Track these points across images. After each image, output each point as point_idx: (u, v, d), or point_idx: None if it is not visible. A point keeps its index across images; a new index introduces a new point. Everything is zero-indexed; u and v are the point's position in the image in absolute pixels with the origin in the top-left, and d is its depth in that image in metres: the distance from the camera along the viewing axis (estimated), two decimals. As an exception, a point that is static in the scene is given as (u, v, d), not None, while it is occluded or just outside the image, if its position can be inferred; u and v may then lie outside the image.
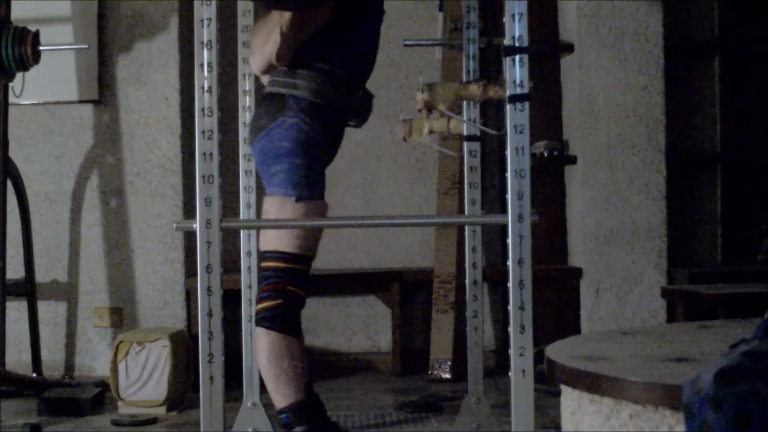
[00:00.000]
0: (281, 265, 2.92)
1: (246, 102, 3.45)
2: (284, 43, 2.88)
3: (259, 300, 2.94)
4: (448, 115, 2.78)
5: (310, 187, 2.95)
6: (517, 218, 2.27)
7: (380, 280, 4.80)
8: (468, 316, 3.35)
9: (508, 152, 2.29)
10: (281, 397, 2.92)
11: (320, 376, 4.30)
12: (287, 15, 2.85)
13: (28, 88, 4.19)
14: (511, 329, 2.26)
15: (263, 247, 2.99)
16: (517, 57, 2.28)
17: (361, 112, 3.14)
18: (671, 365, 1.97)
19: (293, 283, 2.92)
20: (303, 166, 2.94)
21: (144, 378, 3.98)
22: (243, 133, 3.44)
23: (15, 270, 4.39)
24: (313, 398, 2.98)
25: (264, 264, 2.97)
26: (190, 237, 4.50)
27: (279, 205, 2.93)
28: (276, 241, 2.93)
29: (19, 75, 4.13)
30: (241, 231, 3.42)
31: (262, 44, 2.94)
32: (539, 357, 2.26)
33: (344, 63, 3.00)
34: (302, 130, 2.94)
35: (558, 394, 2.18)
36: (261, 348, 2.93)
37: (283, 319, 2.90)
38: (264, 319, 2.90)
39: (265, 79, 3.09)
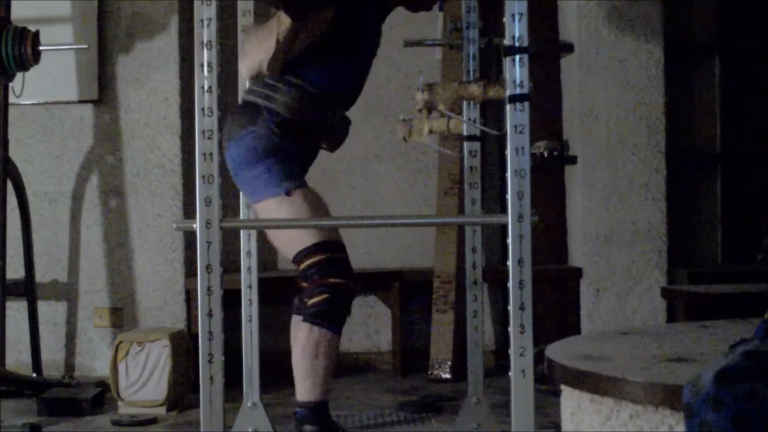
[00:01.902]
0: (313, 259, 2.89)
1: (246, 102, 3.45)
2: (278, 51, 2.86)
3: (306, 297, 2.92)
4: (448, 115, 2.78)
5: (293, 177, 2.95)
6: (517, 218, 2.27)
7: (380, 280, 4.80)
8: (468, 316, 3.35)
9: (508, 152, 2.29)
10: (304, 391, 2.95)
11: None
12: (285, 23, 2.84)
13: (28, 88, 4.20)
14: (511, 329, 2.26)
15: (291, 255, 2.96)
16: (517, 57, 2.28)
17: (336, 136, 3.14)
18: (671, 365, 1.97)
19: (334, 274, 2.90)
20: (278, 163, 2.94)
21: (144, 378, 3.97)
22: (243, 133, 3.44)
23: (15, 270, 4.39)
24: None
25: (300, 267, 2.93)
26: (190, 237, 4.50)
27: (275, 207, 2.93)
28: (296, 241, 2.91)
29: (19, 75, 4.14)
30: (241, 231, 3.42)
31: (255, 49, 2.92)
32: (539, 357, 2.26)
33: (325, 84, 3.00)
34: (272, 140, 2.95)
35: (558, 394, 2.18)
36: (298, 339, 2.93)
37: (328, 314, 2.89)
38: (310, 315, 2.89)
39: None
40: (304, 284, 2.94)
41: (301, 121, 2.98)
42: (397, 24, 4.79)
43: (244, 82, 3.44)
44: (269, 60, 2.87)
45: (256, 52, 2.90)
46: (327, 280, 2.88)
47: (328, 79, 3.01)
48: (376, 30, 3.18)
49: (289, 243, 2.95)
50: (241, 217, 3.42)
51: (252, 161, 2.94)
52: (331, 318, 2.89)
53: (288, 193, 2.92)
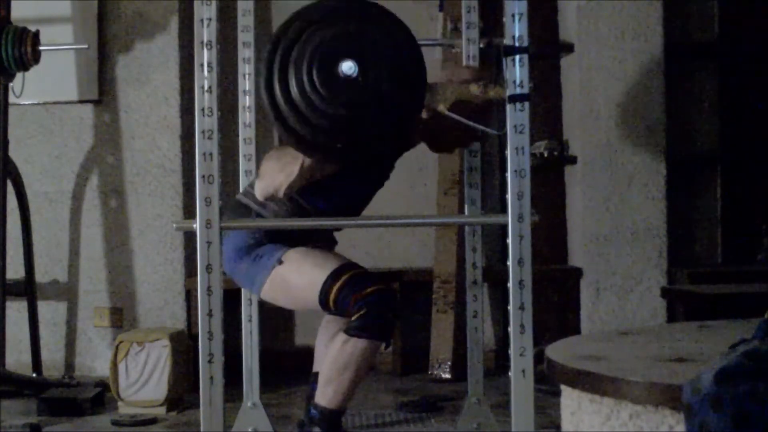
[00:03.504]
0: (339, 284, 2.85)
1: (246, 102, 3.45)
2: (300, 177, 2.78)
3: (351, 316, 2.87)
4: (448, 115, 2.78)
5: (281, 247, 2.93)
6: (517, 218, 2.28)
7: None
8: (468, 316, 3.35)
9: (508, 152, 2.29)
10: (324, 397, 2.93)
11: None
12: None
13: (28, 88, 4.20)
14: (511, 329, 2.27)
15: (315, 301, 2.91)
16: (517, 57, 2.29)
17: (323, 242, 3.13)
18: (671, 365, 1.97)
19: (366, 285, 2.85)
20: (266, 248, 2.94)
21: (144, 378, 3.97)
22: (243, 133, 3.44)
23: (15, 270, 4.39)
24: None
25: (332, 303, 2.88)
26: (190, 237, 4.50)
27: (276, 279, 2.91)
28: (312, 283, 2.88)
29: (19, 75, 4.14)
30: (241, 231, 3.42)
31: (275, 172, 2.82)
32: (539, 357, 2.26)
33: (324, 207, 2.97)
34: (259, 241, 2.94)
35: (558, 394, 2.18)
36: (333, 347, 2.89)
37: (370, 327, 2.83)
38: (351, 328, 2.84)
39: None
40: (347, 313, 2.88)
41: (288, 233, 2.97)
42: (397, 24, 4.78)
43: (244, 82, 3.45)
44: (289, 185, 2.80)
45: (276, 176, 2.81)
46: (361, 294, 2.83)
47: (328, 204, 2.98)
48: (392, 163, 3.16)
49: (309, 289, 2.90)
50: (241, 217, 3.42)
51: (241, 256, 2.94)
52: (370, 328, 2.83)
53: (280, 261, 2.92)
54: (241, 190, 3.41)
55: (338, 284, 2.86)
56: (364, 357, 2.86)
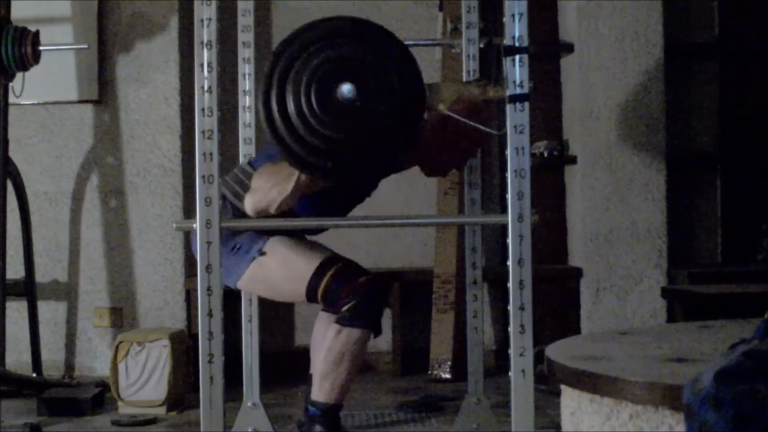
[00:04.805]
0: (328, 276, 2.89)
1: (246, 102, 3.45)
2: (294, 193, 2.80)
3: (341, 307, 2.90)
4: (448, 116, 2.78)
5: (261, 238, 2.95)
6: (517, 218, 2.28)
7: (380, 280, 4.79)
8: (468, 316, 3.35)
9: (508, 152, 2.29)
10: (322, 393, 2.95)
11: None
12: None
13: (28, 88, 4.20)
14: (511, 329, 2.27)
15: (303, 294, 2.94)
16: (517, 57, 2.28)
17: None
18: (671, 365, 1.97)
19: (356, 276, 2.90)
20: (242, 238, 2.97)
21: (144, 378, 3.98)
22: (243, 133, 3.44)
23: (15, 270, 4.39)
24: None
25: (320, 296, 2.91)
26: (190, 237, 4.50)
27: (256, 271, 2.93)
28: (299, 274, 2.91)
29: (19, 75, 4.14)
30: (241, 231, 3.42)
31: (267, 188, 2.84)
32: (539, 357, 2.26)
33: (305, 214, 2.99)
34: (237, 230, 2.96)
35: (558, 394, 2.18)
36: (326, 340, 2.91)
37: (360, 314, 2.87)
38: (342, 318, 2.88)
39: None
40: (338, 306, 2.91)
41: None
42: (397, 24, 4.80)
43: (244, 83, 3.45)
44: (282, 201, 2.81)
45: (268, 192, 2.83)
46: (354, 285, 2.87)
47: (310, 212, 2.99)
48: (375, 184, 3.18)
49: (295, 285, 2.93)
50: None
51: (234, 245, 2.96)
52: (362, 317, 2.87)
53: (262, 252, 2.92)
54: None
55: (326, 278, 2.88)
56: (358, 346, 2.89)
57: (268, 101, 2.41)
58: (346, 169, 2.48)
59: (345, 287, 2.87)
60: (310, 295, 2.92)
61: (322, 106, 2.36)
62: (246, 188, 2.93)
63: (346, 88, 2.36)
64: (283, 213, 2.91)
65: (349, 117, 2.37)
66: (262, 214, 2.87)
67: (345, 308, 2.87)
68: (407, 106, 2.44)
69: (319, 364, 2.95)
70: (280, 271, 2.94)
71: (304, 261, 2.92)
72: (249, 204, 2.87)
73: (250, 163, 3.11)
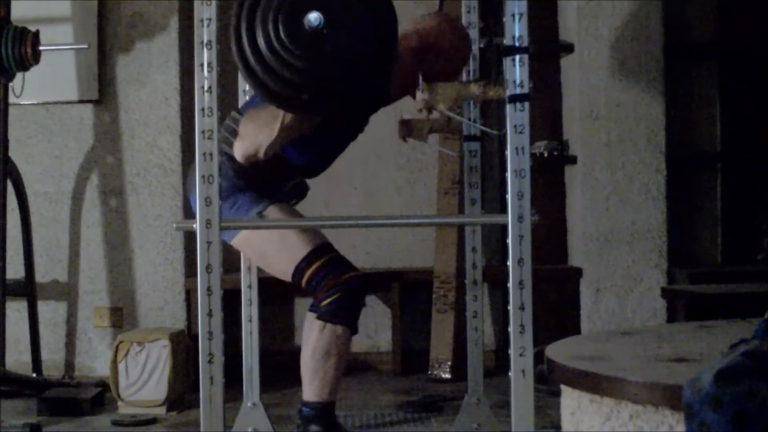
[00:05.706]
0: (315, 266, 2.89)
1: (246, 102, 3.45)
2: (280, 136, 2.79)
3: (321, 299, 2.90)
4: (449, 115, 2.78)
5: (261, 200, 2.94)
6: (517, 218, 2.28)
7: (380, 280, 4.80)
8: (468, 316, 3.35)
9: (508, 152, 2.29)
10: (312, 391, 2.95)
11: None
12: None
13: (28, 88, 4.20)
14: (511, 329, 2.27)
15: (289, 275, 2.94)
16: (517, 57, 2.28)
17: (294, 195, 3.15)
18: (671, 365, 1.97)
19: (343, 271, 2.90)
20: (242, 195, 2.94)
21: (144, 378, 3.98)
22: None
23: (15, 270, 4.39)
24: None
25: (304, 282, 2.92)
26: (190, 237, 4.50)
27: (251, 234, 2.92)
28: (289, 256, 2.91)
29: (19, 75, 4.14)
30: (241, 231, 3.42)
31: (254, 132, 2.84)
32: (539, 357, 2.26)
33: (292, 159, 2.98)
34: (233, 182, 2.92)
35: (558, 394, 2.18)
36: (311, 338, 2.92)
37: (341, 310, 2.88)
38: (324, 314, 2.89)
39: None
40: (318, 295, 2.92)
41: (257, 173, 2.95)
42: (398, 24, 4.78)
43: (243, 83, 3.45)
44: (270, 144, 2.81)
45: (255, 136, 2.83)
46: (339, 279, 2.88)
47: (298, 156, 2.98)
48: (364, 120, 3.16)
49: (284, 263, 2.93)
50: (241, 217, 3.42)
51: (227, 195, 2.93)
52: (344, 314, 2.88)
53: (260, 216, 2.91)
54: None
55: (315, 266, 2.88)
56: (343, 342, 2.91)
57: (240, 37, 2.39)
58: (322, 100, 2.45)
59: (330, 280, 2.88)
60: (296, 278, 2.92)
61: (291, 37, 2.34)
62: (236, 135, 2.92)
63: (313, 17, 2.34)
64: (277, 160, 2.91)
65: (318, 46, 2.34)
66: (252, 160, 2.87)
67: (325, 302, 2.88)
68: (377, 33, 2.42)
69: (307, 361, 2.95)
70: (273, 242, 2.93)
71: (298, 241, 2.91)
72: (238, 151, 2.87)
73: (238, 111, 3.09)
